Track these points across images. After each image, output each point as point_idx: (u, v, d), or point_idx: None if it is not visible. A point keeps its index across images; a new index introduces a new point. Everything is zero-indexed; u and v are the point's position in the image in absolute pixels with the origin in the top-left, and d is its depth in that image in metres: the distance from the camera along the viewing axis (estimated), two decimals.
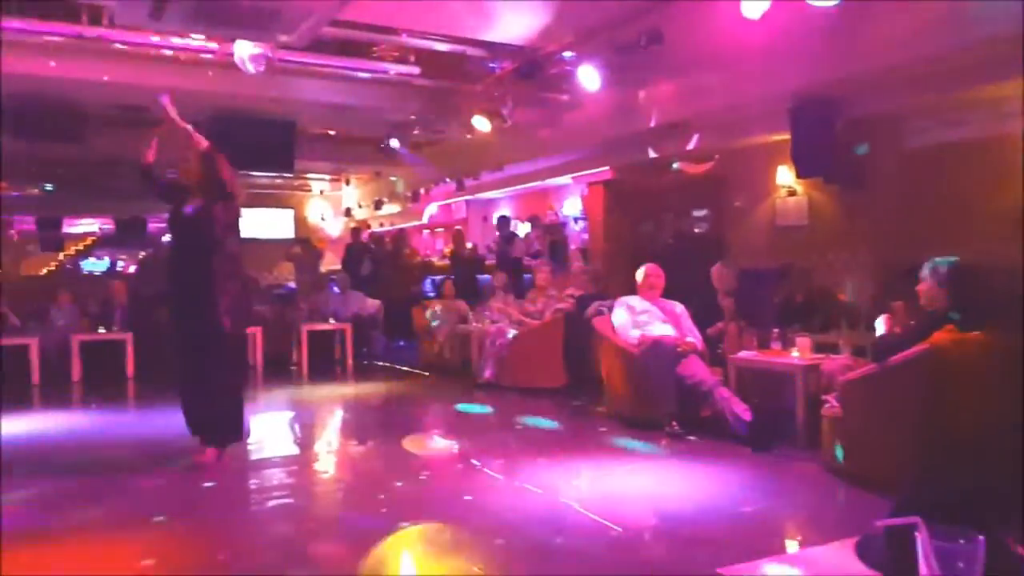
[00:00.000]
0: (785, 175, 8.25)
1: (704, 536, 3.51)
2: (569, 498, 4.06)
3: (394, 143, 9.86)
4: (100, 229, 18.55)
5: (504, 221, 11.40)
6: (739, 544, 3.36)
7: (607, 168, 9.90)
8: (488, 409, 7.05)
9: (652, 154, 8.69)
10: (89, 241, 20.26)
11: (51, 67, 6.72)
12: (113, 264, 20.04)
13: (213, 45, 6.56)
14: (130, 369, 8.82)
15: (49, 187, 14.20)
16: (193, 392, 4.79)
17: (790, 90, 6.69)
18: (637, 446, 5.32)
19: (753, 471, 4.58)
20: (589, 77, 6.88)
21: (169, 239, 5.03)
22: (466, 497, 4.18)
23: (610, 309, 6.42)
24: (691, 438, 5.32)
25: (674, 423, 5.37)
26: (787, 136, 7.20)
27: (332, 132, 11.41)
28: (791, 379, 5.11)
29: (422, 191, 12.86)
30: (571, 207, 11.75)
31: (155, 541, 3.54)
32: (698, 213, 9.56)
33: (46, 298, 10.05)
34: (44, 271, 18.61)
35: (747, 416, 5.10)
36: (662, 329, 5.80)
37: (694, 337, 5.79)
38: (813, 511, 4.08)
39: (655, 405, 5.52)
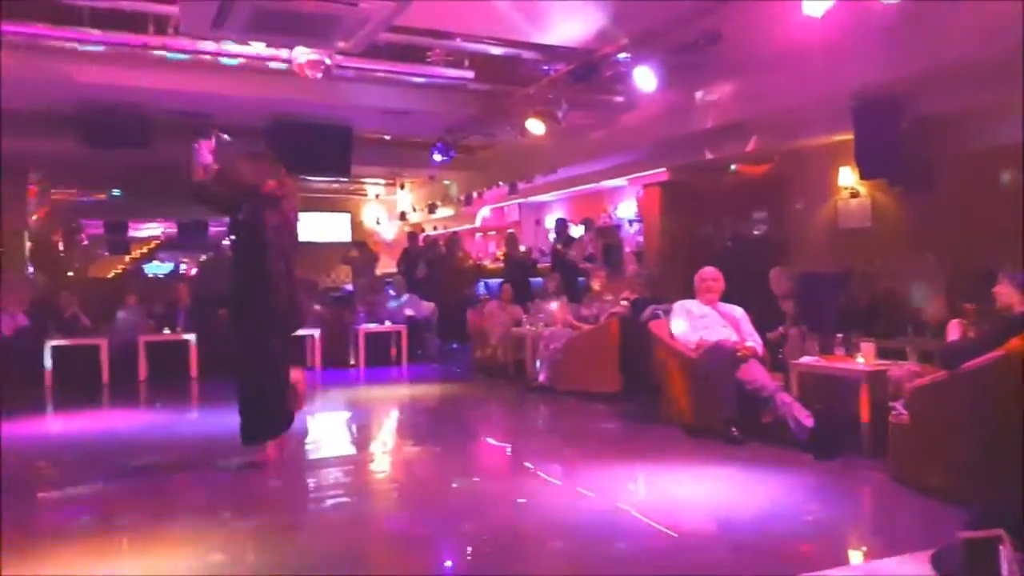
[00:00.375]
0: (848, 176, 8.04)
1: (765, 545, 3.43)
2: (626, 503, 4.02)
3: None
4: (163, 233, 19.12)
5: (562, 224, 11.34)
6: (802, 554, 3.28)
7: (663, 170, 9.80)
8: (542, 412, 7.05)
9: (709, 155, 8.58)
10: (153, 245, 20.89)
11: (120, 76, 6.94)
12: (176, 267, 20.61)
13: (272, 52, 6.70)
14: (194, 369, 9.04)
15: (117, 192, 14.65)
16: (246, 388, 4.83)
17: (853, 89, 6.54)
18: (695, 451, 5.23)
19: (816, 479, 4.47)
20: (645, 78, 6.81)
21: (232, 242, 5.24)
22: (520, 500, 4.18)
23: (666, 313, 6.35)
24: (751, 444, 5.21)
25: (734, 429, 5.27)
26: (850, 136, 7.03)
27: (387, 137, 11.54)
28: (855, 385, 4.97)
29: (475, 194, 12.91)
30: (625, 209, 11.66)
31: (218, 537, 3.61)
32: (757, 215, 9.39)
33: (114, 300, 10.38)
34: (111, 274, 19.24)
35: (809, 422, 4.97)
36: (721, 333, 5.70)
37: (754, 342, 5.68)
38: (880, 521, 3.96)
39: (714, 410, 5.42)
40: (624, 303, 7.63)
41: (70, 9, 6.04)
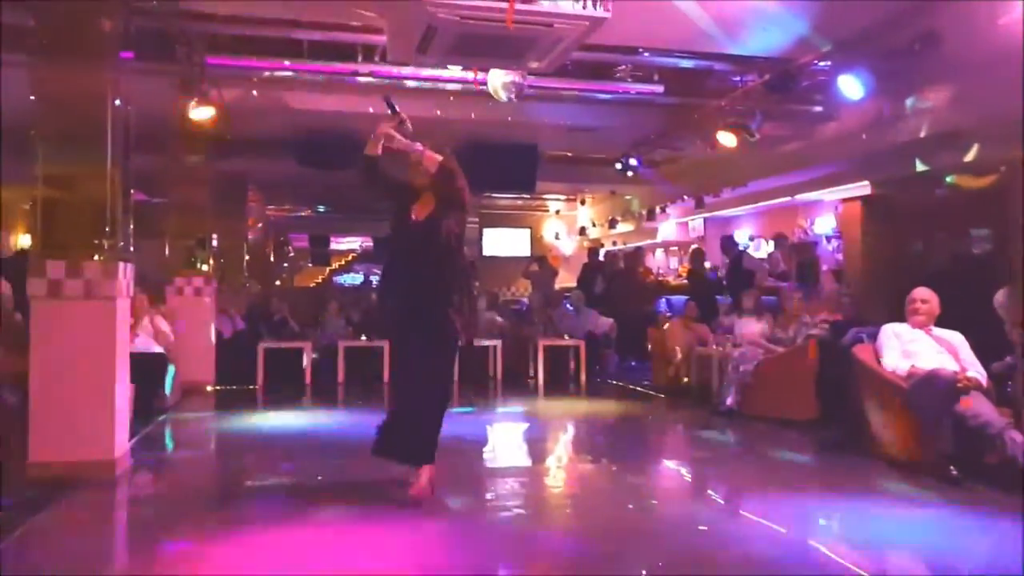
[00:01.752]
0: None
1: None
2: (817, 539, 3.77)
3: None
4: (360, 246, 20.47)
5: (728, 241, 10.87)
6: None
7: (865, 183, 9.18)
8: (728, 437, 6.80)
9: (921, 167, 7.94)
10: (350, 257, 22.41)
11: (330, 101, 7.50)
12: (367, 278, 21.98)
13: (467, 75, 6.97)
14: (386, 374, 9.52)
15: (321, 208, 15.83)
16: (402, 409, 4.35)
17: None
18: (902, 489, 4.82)
19: None
20: (851, 86, 6.44)
21: (395, 247, 4.48)
22: (700, 527, 4.01)
23: (870, 337, 5.91)
24: (971, 485, 4.72)
25: (951, 467, 4.80)
26: None
27: (569, 153, 11.67)
28: None
29: (658, 209, 12.73)
30: (823, 225, 11.03)
31: (403, 538, 3.73)
32: (977, 232, 8.55)
33: (317, 307, 11.22)
34: (313, 283, 20.82)
35: None
36: (935, 361, 5.22)
37: (977, 372, 5.16)
38: None
39: (926, 446, 4.97)
40: (824, 324, 7.20)
41: (291, 42, 6.60)
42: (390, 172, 4.42)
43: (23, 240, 13.35)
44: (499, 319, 10.55)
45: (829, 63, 6.73)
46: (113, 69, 4.88)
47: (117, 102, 4.86)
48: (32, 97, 4.83)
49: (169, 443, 6.40)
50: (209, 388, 8.70)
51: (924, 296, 5.58)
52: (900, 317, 5.67)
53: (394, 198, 4.46)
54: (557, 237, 17.85)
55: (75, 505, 4.24)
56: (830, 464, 5.75)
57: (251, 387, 9.02)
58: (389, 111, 4.39)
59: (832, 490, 4.85)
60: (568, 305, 11.31)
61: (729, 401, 7.33)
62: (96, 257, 4.74)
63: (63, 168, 4.86)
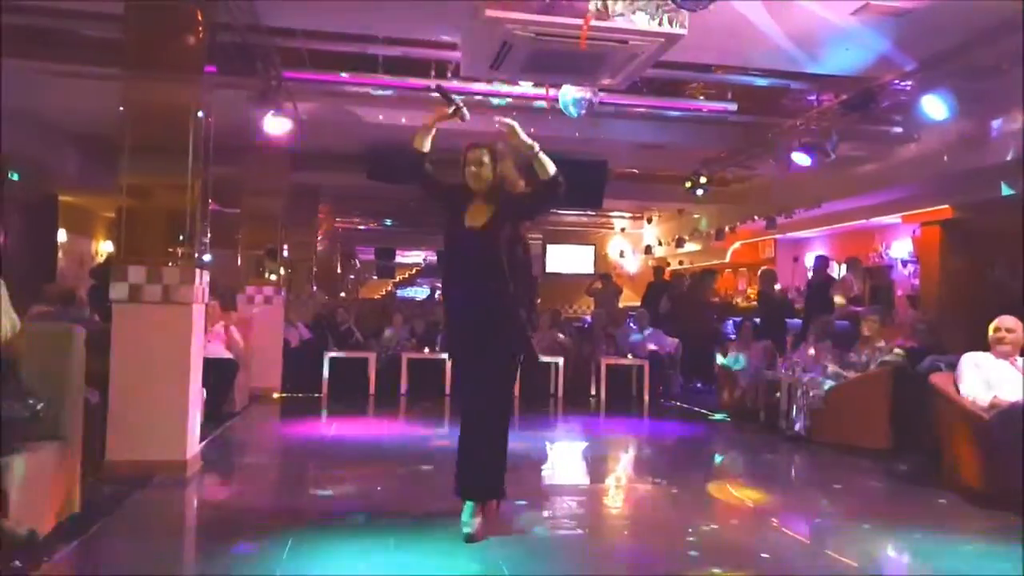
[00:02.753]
0: None
1: None
2: (890, 574, 3.60)
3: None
4: (425, 260, 20.73)
5: (821, 261, 10.60)
6: None
7: (945, 206, 8.88)
8: (796, 463, 6.61)
9: (1007, 191, 7.63)
10: (414, 271, 22.70)
11: (402, 117, 7.62)
12: (432, 292, 22.22)
13: (538, 91, 6.99)
14: (447, 387, 9.58)
15: (388, 222, 16.06)
16: (474, 440, 3.93)
17: None
18: (980, 525, 4.59)
19: None
20: (935, 107, 6.22)
21: (454, 258, 4.08)
22: (763, 555, 3.87)
23: (948, 365, 5.68)
24: None
25: None
26: None
27: (636, 170, 11.59)
28: None
29: (727, 228, 12.53)
30: (899, 249, 10.68)
31: (467, 549, 3.70)
32: None
33: (381, 319, 11.37)
34: (378, 296, 21.15)
35: None
36: (1021, 392, 4.99)
37: None
38: None
39: (1011, 480, 4.73)
40: (899, 352, 6.95)
41: (366, 57, 6.73)
42: (443, 178, 4.06)
43: (104, 247, 13.95)
44: (561, 337, 10.51)
45: (911, 83, 6.53)
46: (197, 83, 5.05)
47: (200, 114, 5.03)
48: (121, 109, 5.02)
49: (237, 447, 6.54)
50: (275, 395, 8.88)
51: (1009, 325, 5.34)
52: (979, 346, 5.43)
53: (447, 202, 4.06)
54: (622, 255, 17.72)
55: (147, 504, 4.36)
56: (903, 495, 5.53)
57: (316, 395, 9.17)
58: (445, 99, 4.03)
59: (905, 522, 4.64)
60: (632, 324, 11.20)
61: (798, 427, 7.13)
62: (174, 264, 4.90)
63: (146, 178, 5.04)
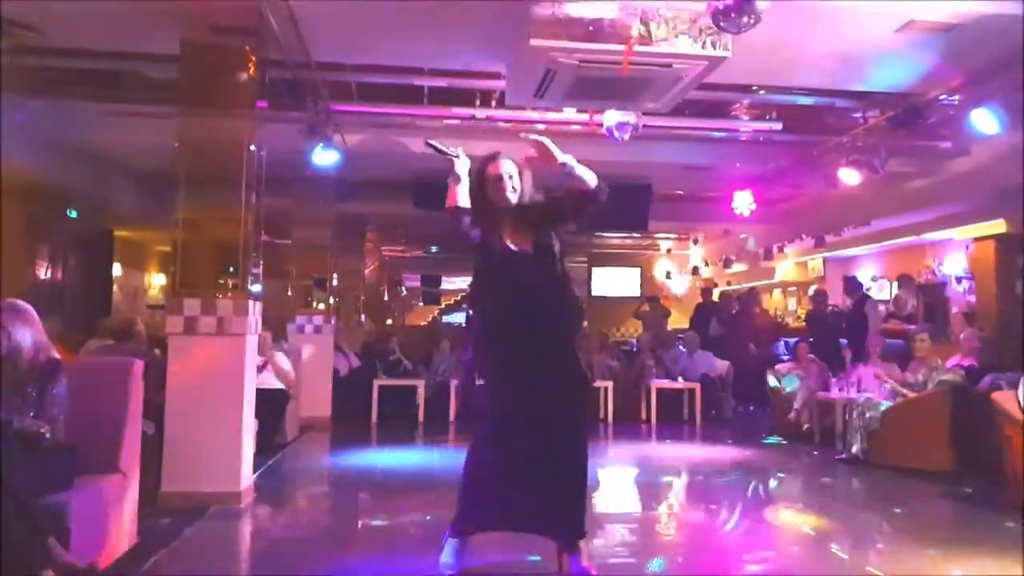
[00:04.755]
0: None
1: None
2: None
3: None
4: (469, 286, 20.86)
5: (851, 283, 10.35)
6: None
7: (1000, 221, 8.66)
8: (854, 487, 6.45)
9: None
10: (459, 297, 22.80)
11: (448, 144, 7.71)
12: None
13: (583, 116, 7.04)
14: None
15: (434, 249, 16.19)
16: (546, 471, 3.53)
17: None
18: None
19: None
20: (985, 121, 6.11)
21: (495, 280, 3.66)
22: None
23: (1010, 383, 5.52)
24: None
25: None
26: None
27: (681, 192, 11.54)
28: None
29: (775, 248, 12.38)
30: (953, 265, 10.42)
31: None
32: None
33: (427, 345, 11.43)
34: (423, 322, 21.27)
35: None
36: None
37: None
38: None
39: None
40: (957, 370, 6.77)
41: (412, 88, 6.86)
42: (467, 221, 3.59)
43: (157, 280, 14.34)
44: (610, 360, 10.45)
45: (959, 97, 6.42)
46: (249, 118, 5.19)
47: (252, 148, 5.17)
48: (176, 145, 5.19)
49: (289, 478, 6.60)
50: (327, 424, 8.97)
51: None
52: None
53: (486, 227, 3.61)
54: (668, 276, 17.60)
55: (203, 536, 4.39)
56: (967, 519, 5.35)
57: (366, 424, 9.23)
58: (440, 153, 3.67)
59: (970, 547, 4.49)
60: (681, 346, 11.09)
61: (855, 449, 6.97)
62: (228, 296, 5.02)
63: (201, 211, 5.18)
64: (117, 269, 12.53)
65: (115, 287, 12.46)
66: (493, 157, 3.67)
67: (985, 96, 6.18)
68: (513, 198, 3.58)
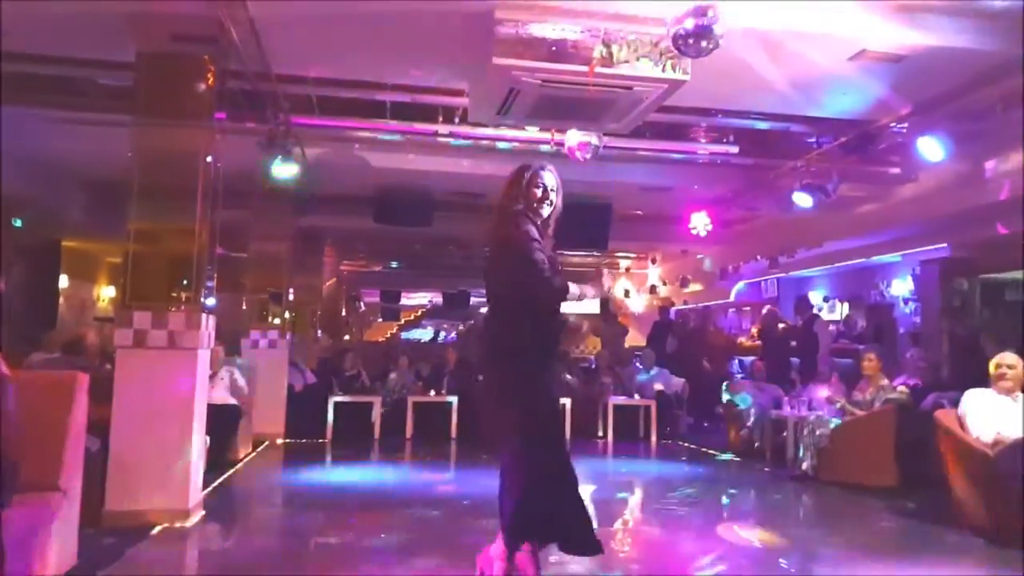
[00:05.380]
0: None
1: None
2: None
3: None
4: (429, 302, 20.76)
5: (803, 303, 10.61)
6: None
7: (944, 245, 8.95)
8: (803, 503, 6.55)
9: (1002, 230, 7.69)
10: (419, 313, 22.71)
11: (409, 161, 7.73)
12: (436, 334, 22.15)
13: (545, 135, 7.09)
14: (454, 430, 9.52)
15: (394, 264, 16.10)
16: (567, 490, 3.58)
17: None
18: (989, 564, 4.58)
19: None
20: (931, 148, 6.31)
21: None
22: None
23: (952, 402, 5.68)
24: None
25: None
26: None
27: (640, 212, 11.67)
28: None
29: (730, 268, 12.58)
30: (900, 287, 10.73)
31: None
32: None
33: (386, 362, 11.33)
34: (382, 338, 21.12)
35: None
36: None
37: None
38: None
39: (1014, 517, 4.70)
40: (903, 389, 6.94)
41: (374, 103, 6.84)
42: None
43: (106, 292, 14.00)
44: (569, 377, 10.48)
45: (907, 125, 6.63)
46: (206, 129, 5.11)
47: (208, 159, 5.09)
48: (130, 155, 5.08)
49: (240, 495, 6.48)
50: (279, 441, 8.82)
51: (1011, 361, 5.36)
52: (982, 383, 5.44)
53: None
54: (627, 295, 17.75)
55: (147, 556, 4.27)
56: (911, 533, 5.48)
57: (320, 441, 9.11)
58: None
59: (912, 561, 4.64)
60: (638, 364, 11.18)
61: (804, 465, 7.09)
62: (181, 309, 4.91)
63: (154, 223, 5.06)
64: (64, 281, 12.20)
65: (61, 299, 12.13)
66: (533, 163, 3.78)
67: (931, 125, 6.38)
68: (547, 211, 3.69)
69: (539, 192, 3.66)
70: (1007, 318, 8.78)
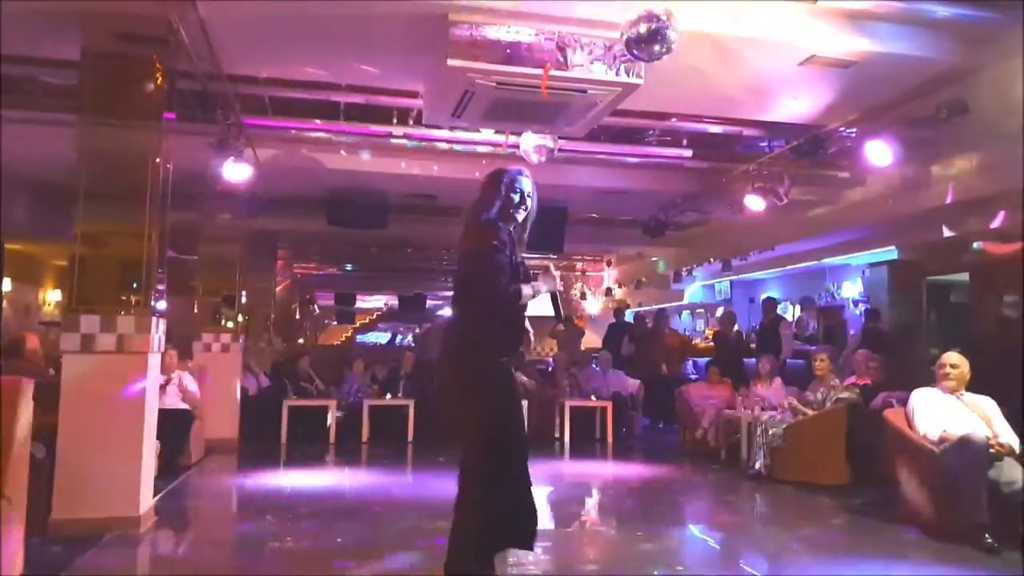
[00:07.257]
0: None
1: None
2: None
3: None
4: (385, 305, 20.60)
5: (769, 303, 10.82)
6: None
7: (892, 248, 9.18)
8: (757, 502, 6.66)
9: (947, 233, 7.92)
10: (375, 316, 22.53)
11: (363, 163, 7.66)
12: (393, 337, 21.99)
13: (498, 137, 7.10)
14: (410, 433, 9.46)
15: (349, 267, 15.96)
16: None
17: None
18: (935, 558, 4.68)
19: None
20: (878, 153, 6.47)
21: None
22: None
23: (900, 401, 5.83)
24: (1009, 555, 4.57)
25: (986, 536, 4.66)
26: None
27: (595, 215, 11.76)
28: None
29: (684, 271, 12.73)
30: (850, 289, 10.98)
31: None
32: (1009, 298, 8.46)
33: (342, 365, 11.22)
34: (337, 342, 20.91)
35: None
36: (967, 426, 5.12)
37: (1010, 437, 5.05)
38: None
39: (960, 513, 4.84)
40: (853, 388, 7.10)
41: (328, 104, 6.77)
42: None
43: (52, 296, 13.62)
44: (525, 379, 10.49)
45: (856, 130, 6.79)
46: (155, 129, 5.00)
47: (157, 160, 4.99)
48: (76, 155, 4.96)
49: (192, 501, 6.37)
50: (233, 446, 8.68)
51: (954, 361, 5.51)
52: (929, 382, 5.60)
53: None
54: (583, 297, 17.86)
55: (96, 564, 4.19)
56: (861, 530, 5.59)
57: (275, 445, 8.98)
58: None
59: (863, 557, 4.74)
60: (595, 365, 11.24)
61: (758, 465, 7.20)
62: (130, 312, 4.81)
63: (102, 225, 4.94)
64: (7, 284, 11.83)
65: (4, 303, 11.77)
66: (521, 171, 3.74)
67: (879, 129, 6.55)
68: (522, 216, 3.68)
69: (516, 197, 3.64)
70: (952, 319, 9.05)
